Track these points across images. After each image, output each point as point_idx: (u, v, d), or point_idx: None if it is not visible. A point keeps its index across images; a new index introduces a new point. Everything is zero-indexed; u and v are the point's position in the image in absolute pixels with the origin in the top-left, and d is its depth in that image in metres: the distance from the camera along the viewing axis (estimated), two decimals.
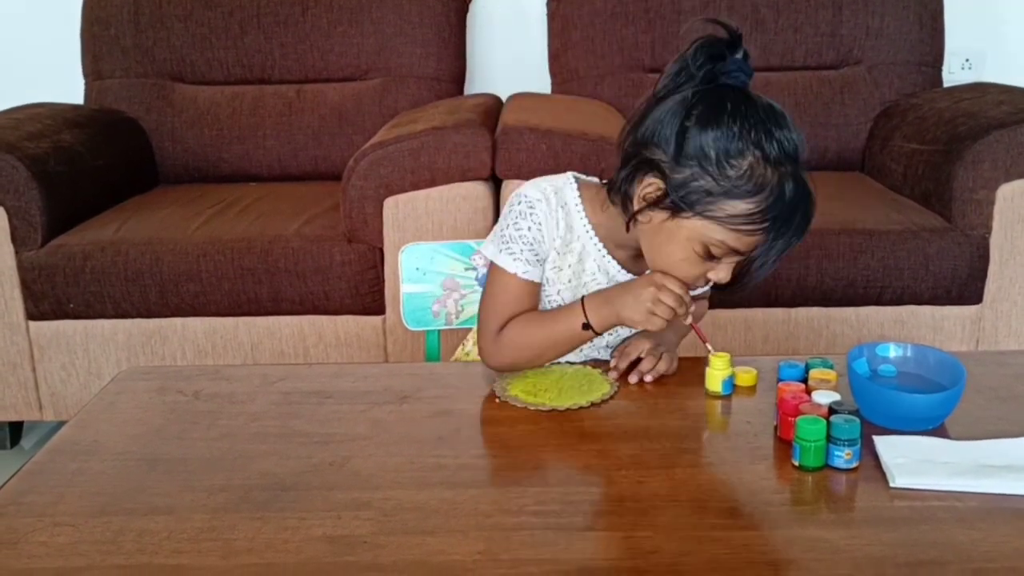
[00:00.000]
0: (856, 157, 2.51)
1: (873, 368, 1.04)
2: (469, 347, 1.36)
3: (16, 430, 2.19)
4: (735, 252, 1.03)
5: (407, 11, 2.54)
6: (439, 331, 1.42)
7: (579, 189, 1.17)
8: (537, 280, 1.16)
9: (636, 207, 1.06)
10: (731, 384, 1.06)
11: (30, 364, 2.06)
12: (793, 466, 0.90)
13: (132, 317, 2.03)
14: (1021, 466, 0.88)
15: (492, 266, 1.16)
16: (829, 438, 0.89)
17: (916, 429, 0.96)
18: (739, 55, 1.03)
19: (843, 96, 2.51)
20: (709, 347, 1.08)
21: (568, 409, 1.02)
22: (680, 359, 1.14)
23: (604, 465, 0.92)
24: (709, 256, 1.03)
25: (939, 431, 0.96)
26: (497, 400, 1.05)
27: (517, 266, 1.13)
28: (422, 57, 2.55)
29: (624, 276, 1.16)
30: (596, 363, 1.16)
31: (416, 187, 1.95)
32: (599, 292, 1.13)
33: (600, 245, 1.16)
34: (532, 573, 0.74)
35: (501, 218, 1.17)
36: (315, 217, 2.11)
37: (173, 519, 0.82)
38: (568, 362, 1.16)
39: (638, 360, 1.12)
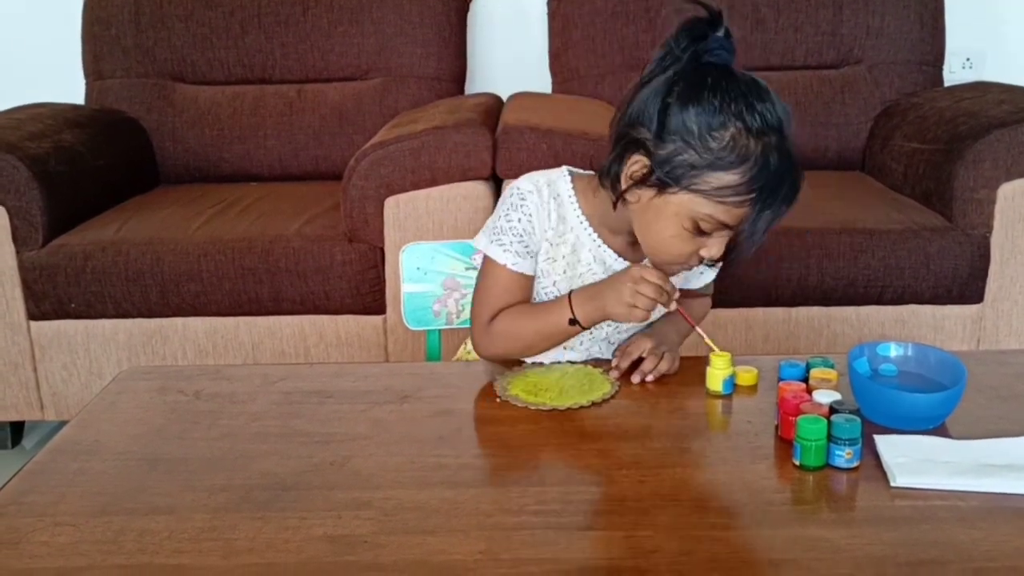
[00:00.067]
0: (857, 156, 2.51)
1: (874, 367, 1.04)
2: (471, 346, 1.36)
3: (17, 430, 2.19)
4: (724, 226, 1.03)
5: (407, 11, 2.54)
6: (440, 331, 1.42)
7: (573, 181, 1.18)
8: (528, 272, 1.17)
9: (624, 186, 1.07)
10: (732, 383, 1.06)
11: (31, 364, 2.06)
12: (794, 465, 0.90)
13: (133, 317, 2.03)
14: (1022, 465, 0.88)
15: (484, 257, 1.19)
16: (830, 437, 0.89)
17: (917, 428, 0.96)
18: (720, 33, 1.04)
19: (844, 95, 2.51)
20: (708, 340, 1.09)
21: (569, 409, 1.02)
22: (681, 359, 1.14)
23: (605, 464, 0.91)
24: (699, 232, 1.04)
25: (940, 430, 0.96)
26: (498, 399, 1.05)
27: (507, 257, 1.15)
28: (422, 57, 2.55)
29: (621, 264, 1.17)
30: (597, 362, 1.16)
31: (417, 187, 1.95)
32: (585, 288, 1.14)
33: (595, 235, 1.17)
34: (533, 572, 0.74)
35: (495, 210, 1.20)
36: (316, 217, 2.11)
37: (174, 519, 0.82)
38: (569, 362, 1.16)
39: (640, 360, 1.12)
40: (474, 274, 1.38)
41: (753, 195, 1.00)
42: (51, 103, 2.44)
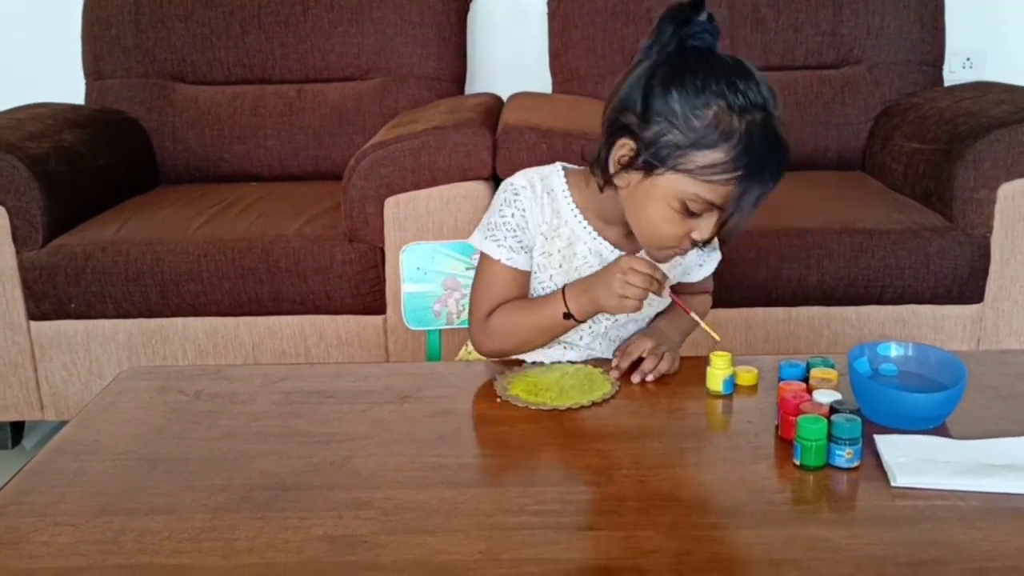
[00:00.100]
0: (857, 156, 2.51)
1: (874, 367, 1.04)
2: (472, 347, 1.37)
3: (17, 430, 2.19)
4: (712, 206, 1.04)
5: (407, 11, 2.54)
6: (440, 331, 1.42)
7: (566, 176, 1.19)
8: (523, 267, 1.18)
9: (612, 171, 1.08)
10: (732, 383, 1.06)
11: (31, 364, 2.06)
12: (794, 465, 0.90)
13: (133, 317, 2.03)
14: (1022, 465, 0.88)
15: (480, 254, 1.20)
16: (830, 437, 0.89)
17: (917, 428, 0.96)
18: (703, 17, 1.05)
19: (844, 95, 2.51)
20: (706, 327, 1.10)
21: (569, 408, 1.02)
22: (681, 359, 1.14)
23: (605, 464, 0.91)
24: (688, 213, 1.05)
25: (940, 430, 0.96)
26: (498, 399, 1.05)
27: (501, 252, 1.16)
28: (422, 57, 2.55)
29: (617, 256, 1.17)
30: (597, 362, 1.16)
31: (417, 187, 1.95)
32: (578, 281, 1.15)
33: (589, 228, 1.17)
34: (533, 572, 0.74)
35: (490, 206, 1.21)
36: (316, 217, 2.11)
37: (174, 519, 0.82)
38: (569, 361, 1.16)
39: (640, 360, 1.12)
40: (474, 274, 1.39)
41: (739, 172, 1.00)
42: (51, 103, 2.44)
